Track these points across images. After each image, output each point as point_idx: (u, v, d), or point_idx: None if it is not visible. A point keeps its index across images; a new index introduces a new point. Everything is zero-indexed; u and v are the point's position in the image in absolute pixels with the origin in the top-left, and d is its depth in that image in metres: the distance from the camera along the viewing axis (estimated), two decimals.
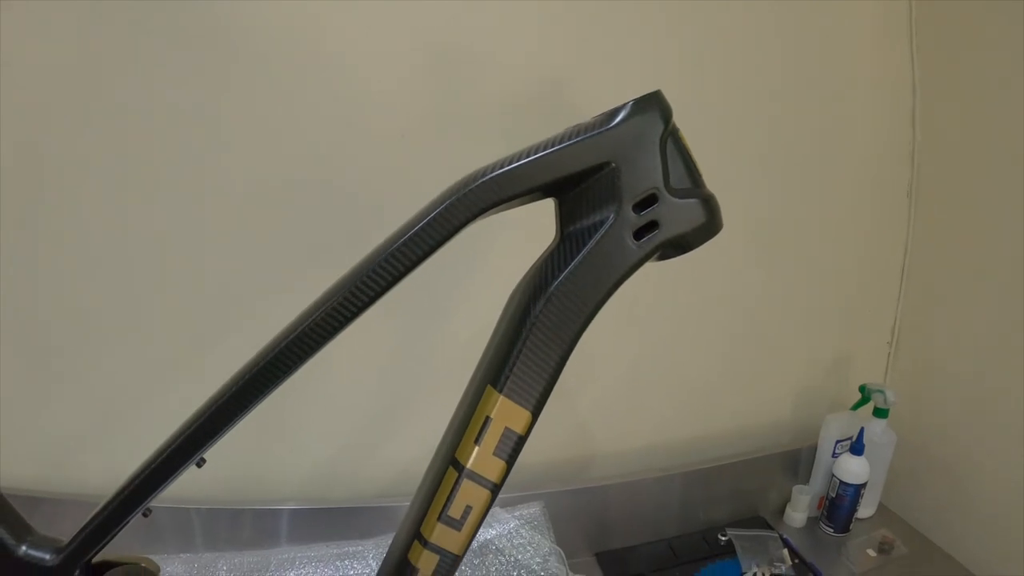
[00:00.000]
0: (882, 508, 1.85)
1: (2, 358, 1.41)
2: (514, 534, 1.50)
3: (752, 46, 1.54)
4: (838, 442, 1.75)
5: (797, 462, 1.83)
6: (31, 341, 1.43)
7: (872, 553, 1.69)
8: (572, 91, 1.39)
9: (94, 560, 0.94)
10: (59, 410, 1.47)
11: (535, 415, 0.79)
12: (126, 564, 0.97)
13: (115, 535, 0.90)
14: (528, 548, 1.49)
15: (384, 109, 1.39)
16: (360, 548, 1.49)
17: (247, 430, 1.44)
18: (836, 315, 1.84)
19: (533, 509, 1.54)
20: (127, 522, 0.89)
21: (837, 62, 1.64)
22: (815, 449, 1.80)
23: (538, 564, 1.47)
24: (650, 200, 0.72)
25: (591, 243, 0.73)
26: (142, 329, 1.45)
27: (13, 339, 1.41)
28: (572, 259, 0.74)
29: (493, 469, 0.80)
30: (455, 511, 0.81)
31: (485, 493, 0.81)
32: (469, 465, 0.80)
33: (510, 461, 0.81)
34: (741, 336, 1.77)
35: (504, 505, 1.53)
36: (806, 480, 1.83)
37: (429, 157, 1.26)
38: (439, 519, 0.82)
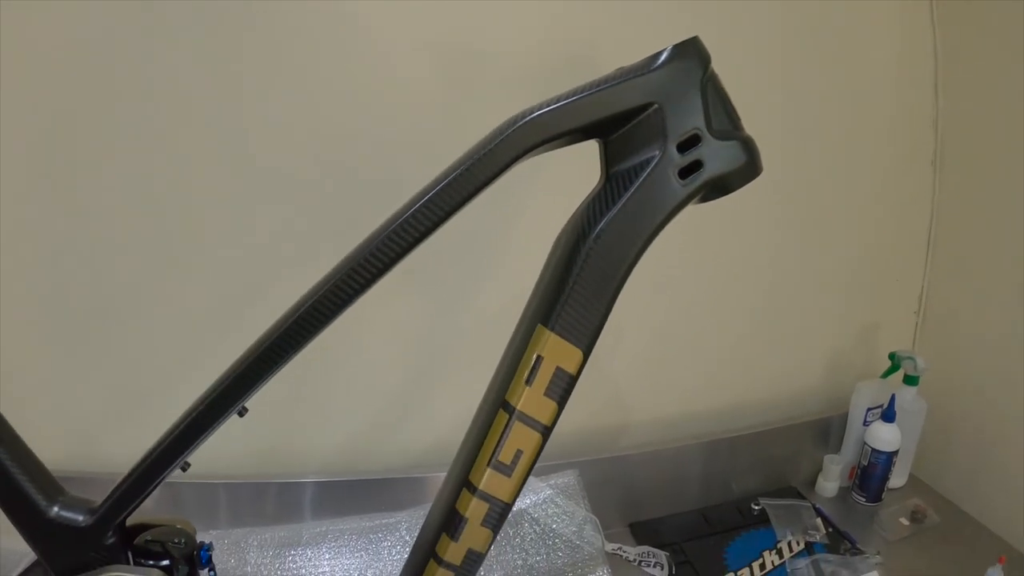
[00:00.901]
0: (912, 478, 1.81)
1: (30, 338, 1.39)
2: (549, 503, 1.48)
3: (775, 15, 1.52)
4: (869, 410, 1.72)
5: (827, 431, 1.79)
6: (58, 321, 1.41)
7: (905, 522, 1.65)
8: (599, 55, 1.37)
9: (128, 522, 0.92)
10: (86, 389, 1.45)
11: (586, 354, 0.77)
12: (162, 526, 0.94)
13: (151, 491, 0.88)
14: (563, 517, 1.47)
15: (405, 80, 1.37)
16: (393, 520, 1.46)
17: (277, 404, 1.43)
18: (863, 284, 1.81)
19: (567, 478, 1.51)
20: (164, 477, 0.87)
21: (859, 32, 1.61)
22: (845, 418, 1.76)
23: (573, 533, 1.45)
24: (693, 141, 0.72)
25: (639, 181, 0.73)
26: (169, 308, 1.43)
27: (40, 319, 1.40)
28: (620, 197, 0.73)
29: (544, 410, 0.78)
30: (505, 456, 0.79)
31: (536, 436, 0.79)
32: (520, 407, 0.78)
33: (561, 402, 0.78)
34: (768, 306, 1.74)
35: (538, 474, 1.50)
36: (837, 449, 1.79)
37: (454, 128, 1.24)
38: (489, 464, 0.79)
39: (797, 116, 1.59)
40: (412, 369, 1.58)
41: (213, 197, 1.38)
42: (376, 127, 1.38)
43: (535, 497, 1.49)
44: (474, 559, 0.84)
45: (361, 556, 1.43)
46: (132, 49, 1.25)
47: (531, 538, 1.46)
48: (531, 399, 0.77)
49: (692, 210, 1.38)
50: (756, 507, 1.67)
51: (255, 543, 1.43)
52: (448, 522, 0.83)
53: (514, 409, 0.78)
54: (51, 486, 0.92)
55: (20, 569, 1.06)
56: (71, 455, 1.41)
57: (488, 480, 0.80)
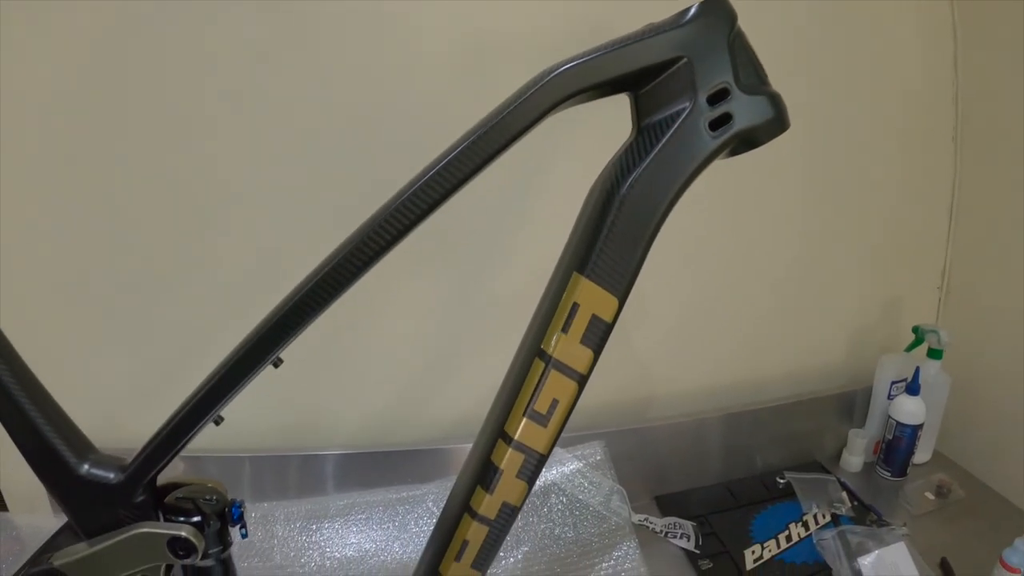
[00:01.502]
0: (937, 455, 1.79)
1: (56, 314, 1.39)
2: (576, 474, 1.47)
3: None
4: (893, 383, 1.69)
5: (852, 406, 1.77)
6: (83, 299, 1.41)
7: (930, 496, 1.63)
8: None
9: (159, 483, 0.90)
10: (111, 366, 1.45)
11: (621, 302, 0.76)
12: (192, 484, 0.93)
13: (183, 447, 0.86)
14: (590, 488, 1.46)
15: (436, 46, 1.37)
16: (419, 492, 1.46)
17: (302, 378, 1.42)
18: (887, 258, 1.79)
19: (594, 449, 1.50)
20: (197, 431, 0.85)
21: (878, 8, 1.58)
22: (869, 392, 1.74)
23: (600, 503, 1.44)
24: (722, 94, 0.71)
25: (670, 131, 0.72)
26: (193, 287, 1.43)
27: (68, 293, 1.39)
28: (653, 147, 0.72)
29: (581, 359, 0.77)
30: (541, 405, 0.78)
31: (572, 385, 0.77)
32: (556, 355, 0.76)
33: (597, 350, 0.77)
34: (792, 280, 1.73)
35: (564, 445, 1.49)
36: (861, 424, 1.77)
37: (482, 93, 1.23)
38: (525, 414, 0.78)
39: (818, 94, 1.57)
40: (437, 343, 1.57)
41: (237, 174, 1.38)
42: (406, 91, 1.38)
43: (562, 468, 1.48)
44: (508, 513, 0.83)
45: (388, 528, 1.43)
46: (163, 21, 1.26)
47: (558, 509, 1.45)
48: (567, 347, 0.76)
49: (717, 186, 1.38)
50: (781, 480, 1.66)
51: (282, 516, 1.43)
52: (483, 474, 0.81)
53: (550, 357, 0.76)
54: (82, 444, 0.90)
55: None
56: (95, 432, 1.40)
57: (524, 430, 0.78)
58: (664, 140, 0.72)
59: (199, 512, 0.87)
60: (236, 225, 1.42)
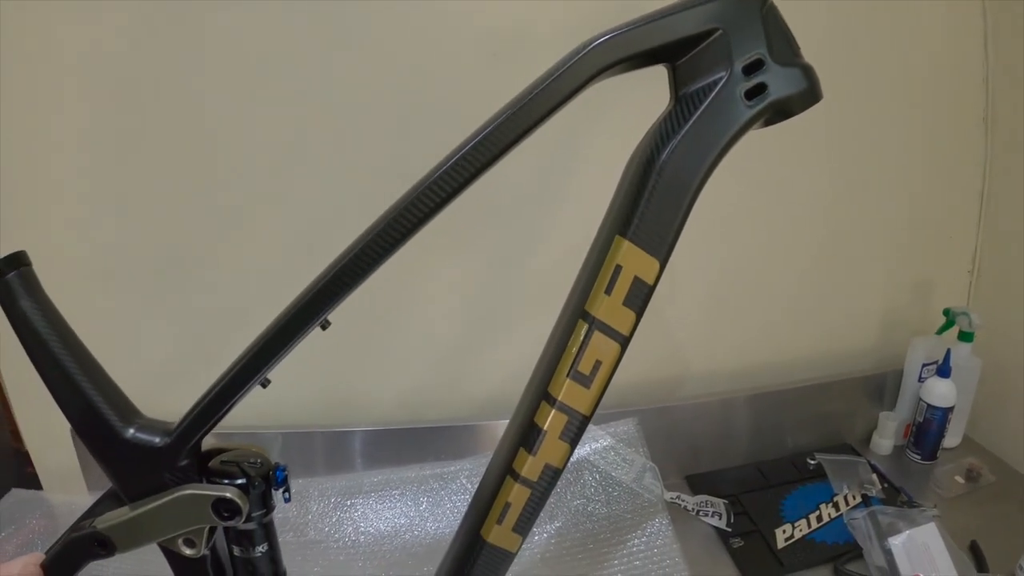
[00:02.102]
0: (967, 439, 1.77)
1: (99, 290, 1.40)
2: (609, 451, 1.47)
3: None
4: (924, 366, 1.68)
5: (882, 388, 1.76)
6: (124, 273, 1.42)
7: (960, 480, 1.61)
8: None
9: (204, 448, 0.90)
10: (153, 340, 1.46)
11: (663, 265, 0.76)
12: (236, 449, 0.93)
13: (229, 409, 0.86)
14: (623, 465, 1.45)
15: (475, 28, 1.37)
16: (453, 468, 1.46)
17: (336, 354, 1.43)
18: (917, 241, 1.76)
19: (627, 426, 1.50)
20: (243, 394, 0.85)
21: None
22: (900, 375, 1.73)
23: (633, 480, 1.43)
24: (757, 65, 0.72)
25: (708, 100, 0.73)
26: (235, 262, 1.44)
27: (106, 271, 1.40)
28: (691, 115, 0.73)
29: (624, 320, 0.77)
30: (585, 366, 0.78)
31: (615, 347, 0.77)
32: (599, 316, 0.76)
33: (640, 312, 0.77)
34: (823, 261, 1.71)
35: (598, 423, 1.48)
36: (892, 407, 1.75)
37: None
38: (568, 375, 0.78)
39: (847, 75, 1.56)
40: (471, 320, 1.57)
41: (274, 161, 1.39)
42: (448, 67, 1.39)
43: (595, 444, 1.48)
44: (551, 475, 0.83)
45: (421, 504, 1.43)
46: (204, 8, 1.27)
47: (591, 485, 1.45)
48: (610, 308, 0.76)
49: (749, 168, 1.37)
50: (812, 462, 1.65)
51: (316, 492, 1.43)
52: (526, 436, 0.81)
53: (594, 319, 0.77)
54: (128, 409, 0.91)
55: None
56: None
57: (567, 391, 0.78)
58: (702, 108, 0.73)
59: (244, 475, 0.86)
60: (272, 211, 1.43)
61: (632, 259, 0.75)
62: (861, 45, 1.57)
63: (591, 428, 1.44)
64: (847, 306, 1.78)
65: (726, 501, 1.51)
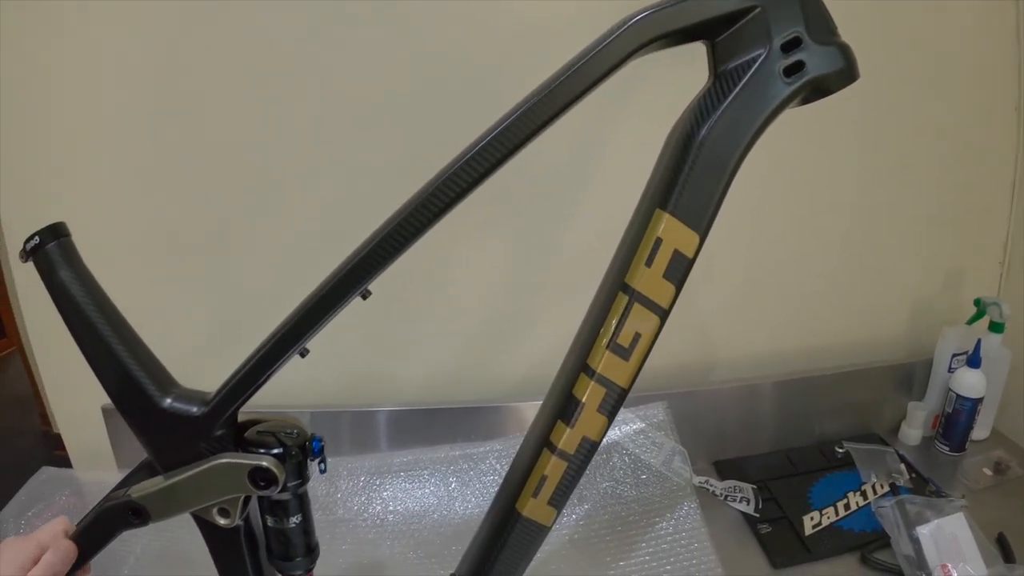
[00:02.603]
0: (995, 432, 1.75)
1: (139, 268, 1.42)
2: (638, 434, 1.46)
3: None
4: (954, 356, 1.66)
5: (911, 377, 1.74)
6: (160, 251, 1.43)
7: (988, 472, 1.59)
8: None
9: (240, 419, 0.90)
10: (189, 321, 1.47)
11: (702, 239, 0.76)
12: (273, 420, 0.93)
13: (268, 379, 0.86)
14: (652, 448, 1.45)
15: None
16: (483, 450, 1.46)
17: (367, 335, 1.43)
18: (948, 230, 1.74)
19: (657, 410, 1.49)
20: (282, 364, 0.85)
21: None
22: (929, 364, 1.71)
23: (662, 463, 1.43)
24: (795, 43, 0.72)
25: (747, 76, 0.73)
26: (271, 245, 1.45)
27: (143, 248, 1.42)
28: (731, 91, 0.73)
29: (663, 293, 0.77)
30: (624, 338, 0.78)
31: (654, 319, 0.77)
32: (639, 288, 0.76)
33: (679, 285, 0.77)
34: (854, 249, 1.69)
35: (627, 406, 1.47)
36: (921, 397, 1.73)
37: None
38: (608, 347, 0.78)
39: (880, 63, 1.53)
40: (503, 302, 1.57)
41: (312, 135, 1.40)
42: (485, 45, 1.40)
43: (625, 428, 1.48)
44: (588, 448, 0.82)
45: (450, 484, 1.44)
46: None
47: (621, 468, 1.45)
48: (650, 281, 0.76)
49: (783, 154, 1.36)
50: (840, 450, 1.63)
51: (344, 472, 1.44)
52: (564, 408, 0.81)
53: (634, 291, 0.76)
54: (165, 379, 0.91)
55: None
56: None
57: (606, 362, 0.78)
58: (741, 84, 0.73)
59: (280, 445, 0.86)
60: (309, 189, 1.44)
61: (672, 232, 0.75)
62: (894, 32, 1.55)
63: (621, 411, 1.43)
64: (877, 294, 1.76)
65: (754, 487, 1.50)
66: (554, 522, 0.87)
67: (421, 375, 1.59)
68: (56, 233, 0.90)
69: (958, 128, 1.67)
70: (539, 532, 0.87)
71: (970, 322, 1.67)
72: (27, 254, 0.89)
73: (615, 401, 0.80)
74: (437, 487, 1.44)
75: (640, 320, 0.77)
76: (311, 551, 0.95)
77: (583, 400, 0.79)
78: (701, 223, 0.75)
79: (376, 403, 1.53)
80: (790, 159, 1.49)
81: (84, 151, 1.40)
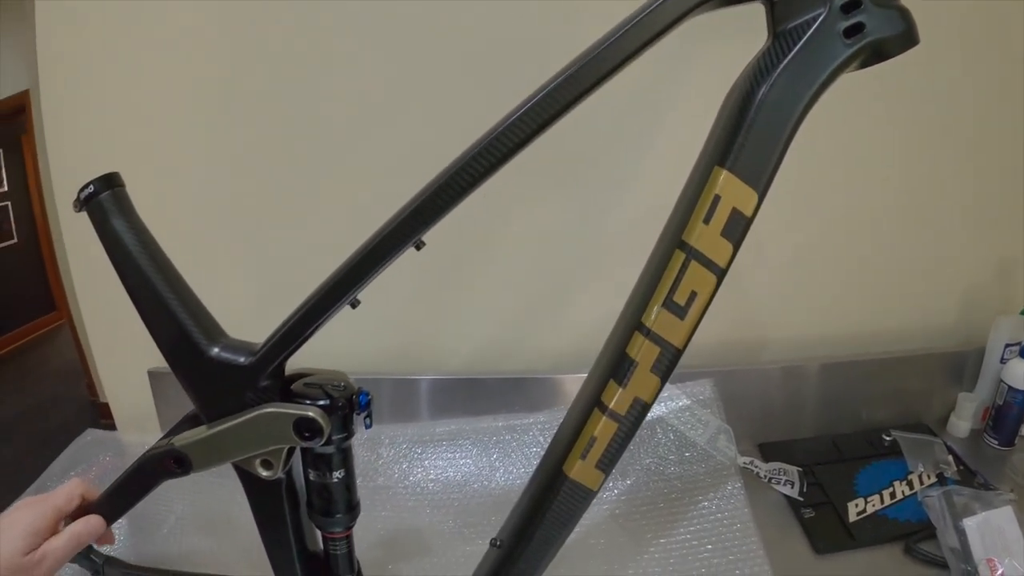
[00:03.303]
0: None
1: (201, 229, 1.44)
2: (684, 411, 1.44)
3: None
4: (1007, 346, 1.61)
5: (962, 368, 1.69)
6: (213, 210, 1.45)
7: None
8: None
9: (287, 372, 0.89)
10: (239, 288, 1.48)
11: (761, 197, 0.75)
12: (320, 372, 0.92)
13: (317, 329, 0.85)
14: (698, 425, 1.43)
15: None
16: (527, 422, 1.44)
17: (414, 302, 1.42)
18: (1004, 217, 1.69)
19: (703, 387, 1.47)
20: (333, 314, 0.84)
21: None
22: (981, 354, 1.66)
23: (707, 442, 1.41)
24: (855, 4, 0.70)
25: (807, 35, 0.71)
26: (320, 215, 1.46)
27: (196, 207, 1.42)
28: (790, 51, 0.72)
29: (721, 251, 0.75)
30: (680, 296, 0.76)
31: (711, 278, 0.76)
32: (697, 245, 0.75)
33: (737, 244, 0.75)
34: (906, 235, 1.65)
35: (674, 382, 1.46)
36: (971, 388, 1.69)
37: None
38: (663, 305, 0.76)
39: (937, 47, 1.49)
40: (551, 273, 1.55)
41: (367, 96, 1.40)
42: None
43: (671, 404, 1.46)
44: (639, 410, 0.80)
45: (492, 455, 1.43)
46: None
47: (664, 444, 1.43)
48: (708, 238, 0.75)
49: (836, 135, 1.33)
50: (887, 438, 1.59)
51: (385, 439, 1.44)
52: (616, 367, 0.79)
53: (691, 248, 0.75)
54: (214, 329, 0.91)
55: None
56: None
57: (661, 321, 0.77)
58: (801, 43, 0.72)
59: (327, 397, 0.85)
60: (362, 159, 1.45)
61: (731, 189, 0.74)
62: (953, 6, 1.50)
63: (667, 387, 1.42)
64: (929, 280, 1.71)
65: (800, 470, 1.46)
66: (600, 487, 0.85)
67: (465, 345, 1.58)
68: (110, 183, 0.90)
69: (1015, 115, 1.61)
70: (585, 496, 0.85)
71: None
72: (80, 203, 0.89)
73: (669, 361, 0.78)
74: (478, 458, 1.43)
75: (697, 278, 0.76)
76: (352, 508, 0.95)
77: (637, 359, 0.78)
78: (760, 181, 0.74)
79: (420, 372, 1.53)
80: (843, 140, 1.46)
81: (143, 114, 1.43)
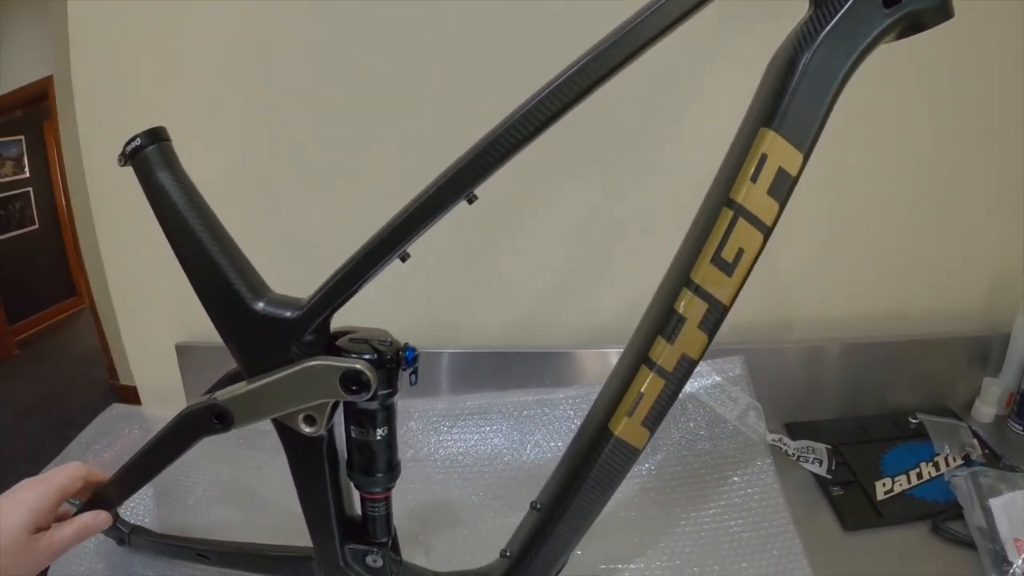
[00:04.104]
0: None
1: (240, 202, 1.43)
2: (714, 387, 1.44)
3: None
4: None
5: (988, 352, 1.68)
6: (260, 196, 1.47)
7: None
8: None
9: (332, 329, 0.89)
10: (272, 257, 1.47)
11: (806, 158, 0.76)
12: (365, 329, 0.92)
13: (365, 283, 0.85)
14: (728, 402, 1.42)
15: None
16: (558, 396, 1.44)
17: (446, 275, 1.41)
18: None
19: (733, 364, 1.47)
20: (381, 267, 0.84)
21: None
22: (1006, 340, 1.65)
23: (736, 418, 1.40)
24: None
25: (848, 4, 0.73)
26: (357, 181, 1.47)
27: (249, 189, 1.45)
28: (831, 18, 0.74)
29: (767, 210, 0.77)
30: (728, 253, 0.77)
31: (758, 236, 0.77)
32: (744, 203, 0.76)
33: (783, 203, 0.77)
34: (936, 219, 1.64)
35: (704, 358, 1.45)
36: (996, 373, 1.67)
37: None
38: (711, 261, 0.77)
39: (969, 35, 1.49)
40: (585, 247, 1.55)
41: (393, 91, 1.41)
42: None
43: (702, 381, 1.46)
44: (686, 367, 0.81)
45: (523, 429, 1.43)
46: None
47: (695, 419, 1.42)
48: (755, 196, 0.76)
49: (868, 116, 1.33)
50: (913, 421, 1.58)
51: (416, 412, 1.43)
52: (664, 323, 0.80)
53: (739, 206, 0.76)
54: (259, 284, 0.91)
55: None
56: None
57: (709, 276, 0.78)
58: (842, 12, 0.73)
59: (374, 351, 0.85)
60: (392, 139, 1.45)
61: (777, 149, 0.75)
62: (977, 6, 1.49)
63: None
64: (957, 264, 1.70)
65: (828, 447, 1.46)
66: (645, 445, 0.85)
67: (497, 318, 1.58)
68: (156, 136, 0.90)
69: None
70: (630, 455, 0.85)
71: None
72: (126, 157, 0.89)
73: (716, 318, 0.79)
74: (509, 432, 1.43)
75: (744, 236, 0.77)
76: (392, 468, 0.95)
77: (685, 315, 0.78)
78: (805, 142, 0.75)
79: (451, 346, 1.53)
80: (874, 120, 1.46)
81: (182, 88, 1.44)
